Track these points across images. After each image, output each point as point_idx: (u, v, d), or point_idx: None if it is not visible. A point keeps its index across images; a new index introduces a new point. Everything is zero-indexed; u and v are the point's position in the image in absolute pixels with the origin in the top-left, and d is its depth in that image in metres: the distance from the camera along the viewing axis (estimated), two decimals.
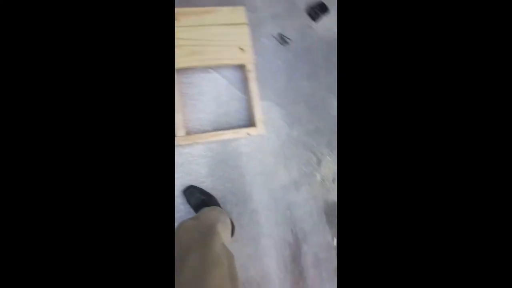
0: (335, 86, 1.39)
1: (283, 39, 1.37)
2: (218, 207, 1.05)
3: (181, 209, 1.14)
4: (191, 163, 1.18)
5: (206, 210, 1.00)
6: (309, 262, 1.22)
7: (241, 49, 1.17)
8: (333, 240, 1.26)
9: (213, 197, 1.15)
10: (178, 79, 1.17)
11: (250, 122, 1.25)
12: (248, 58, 1.18)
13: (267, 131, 1.26)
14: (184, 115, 1.19)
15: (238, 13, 1.19)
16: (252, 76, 1.19)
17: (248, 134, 1.16)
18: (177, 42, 1.11)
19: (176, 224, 0.80)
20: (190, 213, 1.13)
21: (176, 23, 1.12)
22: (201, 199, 1.10)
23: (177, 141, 1.09)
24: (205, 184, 1.18)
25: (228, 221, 0.97)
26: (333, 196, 1.30)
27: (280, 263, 1.20)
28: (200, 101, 1.23)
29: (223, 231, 0.77)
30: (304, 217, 1.26)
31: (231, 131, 1.14)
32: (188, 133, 1.19)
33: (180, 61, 1.11)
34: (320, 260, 1.24)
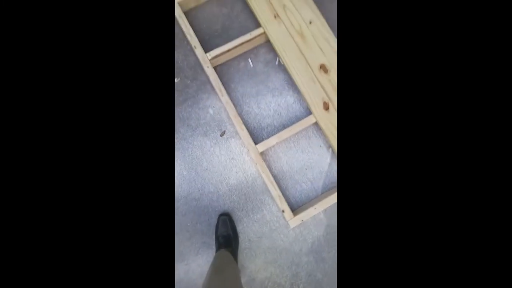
0: None
1: None
2: (234, 262, 0.99)
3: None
4: None
5: (227, 264, 0.94)
6: None
7: None
8: None
9: (238, 237, 1.14)
10: None
11: None
12: None
13: None
14: None
15: None
16: None
17: None
18: None
19: None
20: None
21: None
22: (228, 233, 1.10)
23: None
24: None
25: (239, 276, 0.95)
26: None
27: None
28: None
29: None
30: None
31: None
32: None
33: None
34: None
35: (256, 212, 1.17)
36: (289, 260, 1.15)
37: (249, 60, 1.25)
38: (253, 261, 1.14)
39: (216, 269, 0.86)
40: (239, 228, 1.15)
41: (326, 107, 1.13)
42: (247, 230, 1.16)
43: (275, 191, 1.09)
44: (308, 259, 1.16)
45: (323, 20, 1.17)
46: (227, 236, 1.09)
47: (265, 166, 1.10)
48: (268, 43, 1.25)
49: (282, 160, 1.20)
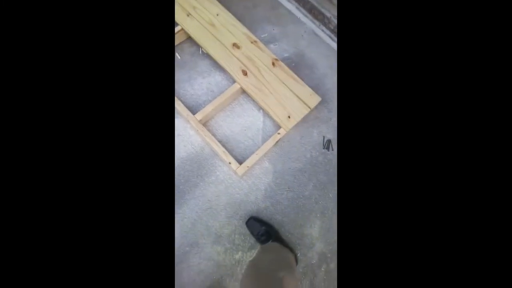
0: None
1: None
2: (277, 246, 1.08)
3: None
4: None
5: (266, 255, 1.02)
6: None
7: None
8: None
9: (272, 226, 1.21)
10: None
11: None
12: None
13: None
14: None
15: None
16: None
17: None
18: None
19: None
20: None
21: None
22: (263, 229, 1.17)
23: None
24: None
25: (292, 261, 1.01)
26: None
27: None
28: None
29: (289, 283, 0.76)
30: None
31: None
32: None
33: None
34: None
35: (210, 175, 1.29)
36: (248, 210, 1.27)
37: (176, 54, 1.47)
38: (217, 218, 1.24)
39: (254, 266, 0.92)
40: (197, 193, 1.26)
41: (244, 73, 1.36)
42: (205, 193, 1.27)
43: (218, 148, 1.25)
44: (265, 204, 1.28)
45: (227, 12, 1.46)
46: (264, 232, 1.16)
47: (206, 131, 1.27)
48: (189, 39, 1.49)
49: (224, 128, 1.37)
